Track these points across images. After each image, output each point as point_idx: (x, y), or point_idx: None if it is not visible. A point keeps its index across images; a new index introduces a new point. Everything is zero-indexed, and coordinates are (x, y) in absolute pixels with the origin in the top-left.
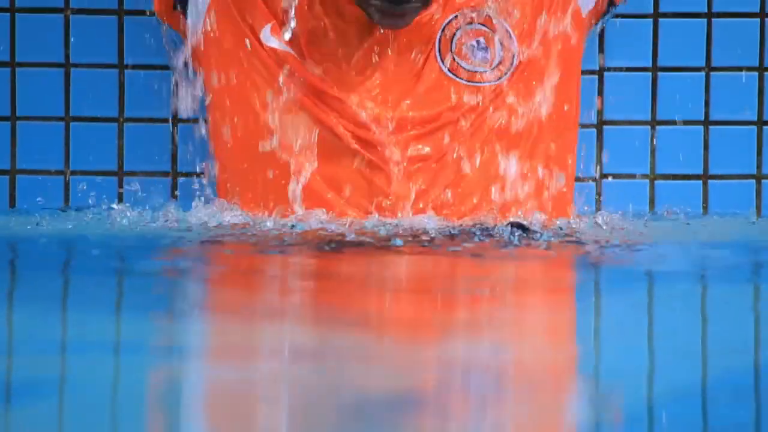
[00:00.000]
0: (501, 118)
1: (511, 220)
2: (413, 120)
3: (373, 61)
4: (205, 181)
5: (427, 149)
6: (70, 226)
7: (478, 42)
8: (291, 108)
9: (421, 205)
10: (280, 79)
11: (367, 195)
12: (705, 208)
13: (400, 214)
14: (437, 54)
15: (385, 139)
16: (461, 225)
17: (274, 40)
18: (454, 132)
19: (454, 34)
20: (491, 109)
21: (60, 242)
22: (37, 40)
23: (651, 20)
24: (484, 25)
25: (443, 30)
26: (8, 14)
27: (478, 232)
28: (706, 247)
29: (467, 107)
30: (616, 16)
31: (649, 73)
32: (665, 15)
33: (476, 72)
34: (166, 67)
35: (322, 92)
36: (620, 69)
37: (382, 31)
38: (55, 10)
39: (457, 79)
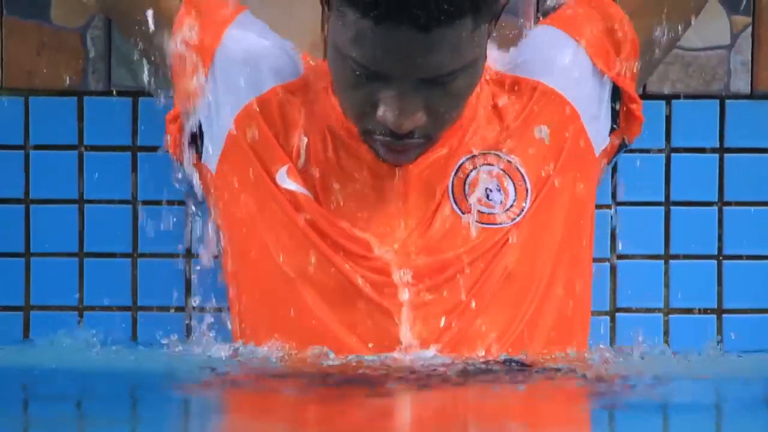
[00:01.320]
0: (515, 259)
1: (511, 357)
2: (427, 264)
3: (388, 203)
4: (209, 317)
5: (440, 292)
6: (86, 361)
7: (491, 184)
8: (305, 249)
9: (431, 348)
10: (296, 220)
11: (377, 338)
12: (719, 342)
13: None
14: (451, 196)
15: (398, 283)
16: (471, 362)
17: (290, 182)
18: (467, 274)
19: (468, 176)
20: (505, 250)
21: (83, 377)
22: (51, 177)
23: (663, 155)
24: (497, 166)
25: (457, 172)
26: (22, 151)
27: (488, 369)
28: (721, 382)
29: (481, 249)
30: (628, 151)
31: (662, 208)
32: (677, 150)
33: (490, 214)
34: (180, 203)
35: (336, 235)
36: (633, 203)
37: (397, 173)
38: (69, 147)
39: (471, 222)
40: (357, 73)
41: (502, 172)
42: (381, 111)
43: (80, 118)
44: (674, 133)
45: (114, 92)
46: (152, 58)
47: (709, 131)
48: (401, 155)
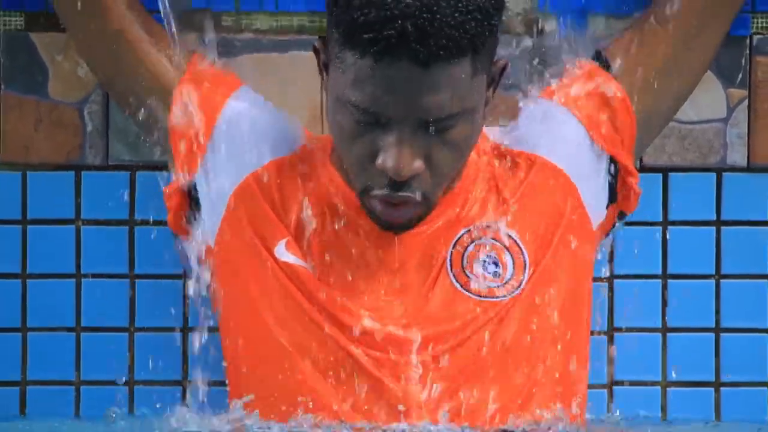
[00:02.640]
0: (513, 332)
1: (509, 429)
2: (425, 337)
3: (386, 276)
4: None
5: (438, 365)
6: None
7: (489, 257)
8: (302, 322)
9: (430, 420)
10: (294, 293)
11: (376, 411)
12: (717, 415)
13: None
14: (449, 269)
15: (396, 357)
16: None
17: (288, 255)
18: (466, 348)
19: (466, 249)
20: (504, 324)
21: None
22: (49, 252)
23: (660, 228)
24: (495, 239)
25: (455, 245)
26: (20, 226)
27: None
28: None
29: (480, 323)
30: (626, 224)
31: (659, 281)
32: (674, 223)
33: (488, 287)
34: (177, 277)
35: (333, 308)
36: (630, 276)
37: (396, 244)
38: (66, 222)
39: (469, 295)
40: (357, 120)
41: (500, 245)
42: (380, 159)
43: (78, 193)
44: (671, 206)
45: (111, 166)
46: (151, 133)
47: (706, 204)
48: (398, 212)
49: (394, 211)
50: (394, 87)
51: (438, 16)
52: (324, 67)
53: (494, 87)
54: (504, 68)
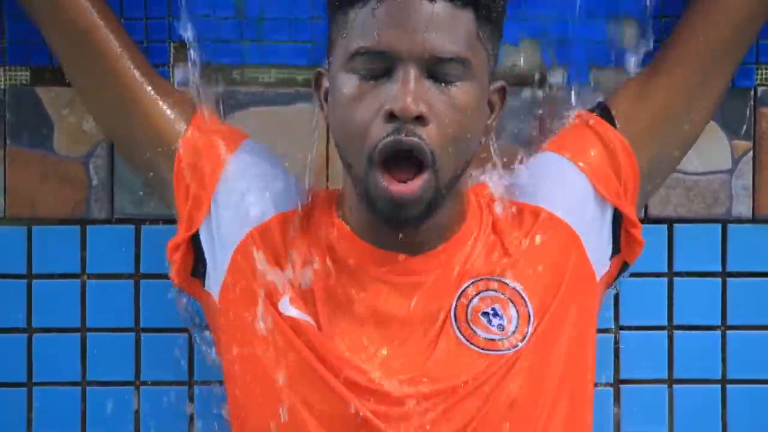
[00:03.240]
0: (518, 386)
1: None
2: (430, 391)
3: (390, 329)
4: None
5: (444, 419)
6: None
7: (493, 309)
8: (307, 376)
9: None
10: (299, 347)
11: None
12: None
13: None
14: (453, 321)
15: (401, 411)
16: None
17: (292, 309)
18: (471, 402)
19: (471, 301)
20: (509, 377)
21: None
22: (54, 306)
23: (666, 280)
24: (500, 292)
25: (459, 297)
26: (25, 281)
27: None
28: None
29: (485, 376)
30: (631, 275)
31: (665, 332)
32: (680, 274)
33: (493, 340)
34: (183, 331)
35: (337, 362)
36: (636, 328)
37: (400, 296)
38: (71, 276)
39: (474, 348)
40: (361, 77)
41: (504, 297)
42: (388, 103)
43: (83, 247)
44: (676, 257)
45: (116, 220)
46: (155, 186)
47: (712, 255)
48: (406, 187)
49: (402, 186)
50: (399, 19)
51: None
52: (324, 98)
53: (498, 109)
54: (504, 90)
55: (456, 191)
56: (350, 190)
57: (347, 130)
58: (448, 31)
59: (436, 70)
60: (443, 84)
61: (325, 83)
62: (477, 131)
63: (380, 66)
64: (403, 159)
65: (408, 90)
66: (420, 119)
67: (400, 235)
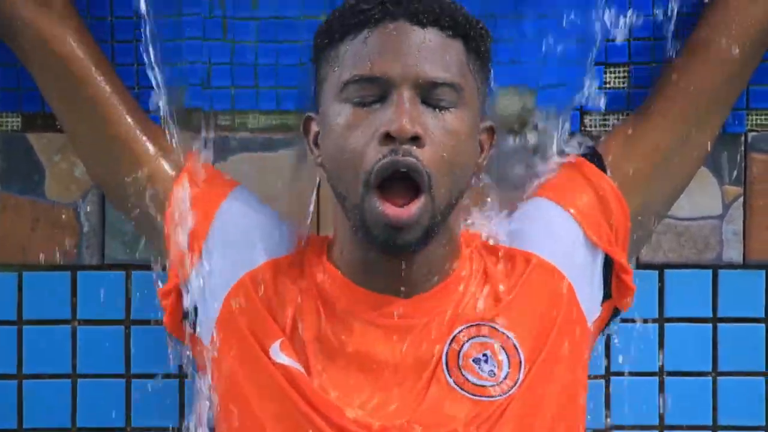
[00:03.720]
0: (509, 431)
1: None
2: None
3: (381, 375)
4: None
5: None
6: None
7: (484, 355)
8: (298, 424)
9: None
10: (290, 395)
11: None
12: None
13: None
14: (444, 368)
15: None
16: None
17: (283, 356)
18: None
19: (462, 347)
20: (500, 424)
21: None
22: (45, 352)
23: (656, 325)
24: (491, 338)
25: (450, 343)
26: (15, 327)
27: None
28: None
29: (476, 423)
30: (621, 321)
31: (656, 378)
32: (670, 320)
33: (483, 386)
34: (175, 376)
35: (328, 410)
36: (627, 374)
37: (392, 342)
38: (62, 322)
39: (465, 394)
40: (355, 104)
41: (495, 343)
42: (383, 125)
43: (74, 293)
44: (667, 303)
45: (107, 266)
46: (146, 232)
47: (703, 301)
48: (403, 211)
49: (399, 210)
50: (392, 46)
51: None
52: (314, 142)
53: (487, 149)
54: (493, 130)
55: (449, 227)
56: (342, 228)
57: (341, 158)
58: (440, 57)
59: (429, 95)
60: (437, 110)
61: (314, 127)
62: (470, 160)
63: (374, 92)
64: (400, 182)
65: (404, 111)
66: (416, 140)
67: (399, 269)
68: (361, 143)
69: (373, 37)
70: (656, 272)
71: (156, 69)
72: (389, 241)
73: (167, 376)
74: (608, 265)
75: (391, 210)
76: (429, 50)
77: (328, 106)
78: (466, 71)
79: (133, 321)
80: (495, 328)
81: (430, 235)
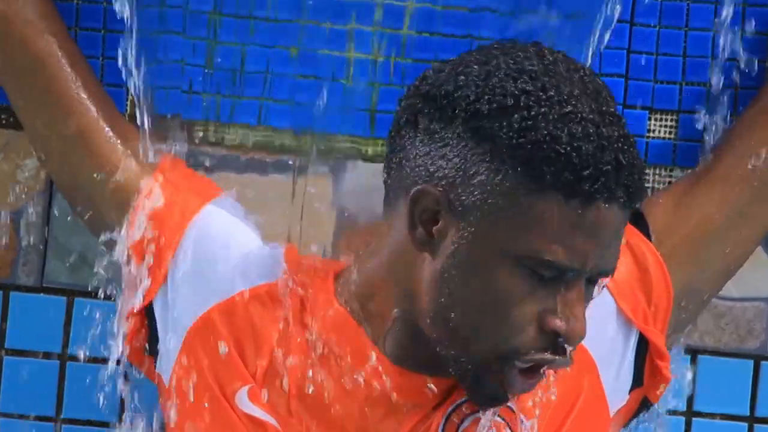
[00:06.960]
0: None
1: None
2: None
3: None
4: None
5: None
6: None
7: None
8: None
9: None
10: None
11: None
12: None
13: None
14: None
15: None
16: None
17: (251, 405)
18: None
19: (461, 422)
20: None
21: None
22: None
23: (683, 419)
24: (498, 415)
25: (448, 417)
26: None
27: None
28: None
29: None
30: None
31: None
32: (700, 415)
33: None
34: (105, 425)
35: None
36: None
37: (392, 399)
38: (47, 419)
39: None
40: (534, 278)
41: (501, 421)
42: (559, 320)
43: (3, 317)
44: (698, 395)
45: (45, 289)
46: (106, 245)
47: (740, 396)
48: (533, 380)
49: (530, 380)
50: (599, 234)
51: (633, 149)
52: (426, 221)
53: None
54: None
55: None
56: (399, 300)
57: (490, 325)
58: (620, 242)
59: (600, 276)
60: (592, 285)
61: (441, 221)
62: None
63: (559, 274)
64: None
65: (582, 312)
66: None
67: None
68: (522, 318)
69: (584, 219)
70: (688, 357)
71: (129, 65)
72: (494, 403)
73: (102, 424)
74: (642, 347)
75: (523, 386)
76: (618, 236)
77: (493, 252)
78: None
79: (71, 357)
80: (507, 406)
81: None
